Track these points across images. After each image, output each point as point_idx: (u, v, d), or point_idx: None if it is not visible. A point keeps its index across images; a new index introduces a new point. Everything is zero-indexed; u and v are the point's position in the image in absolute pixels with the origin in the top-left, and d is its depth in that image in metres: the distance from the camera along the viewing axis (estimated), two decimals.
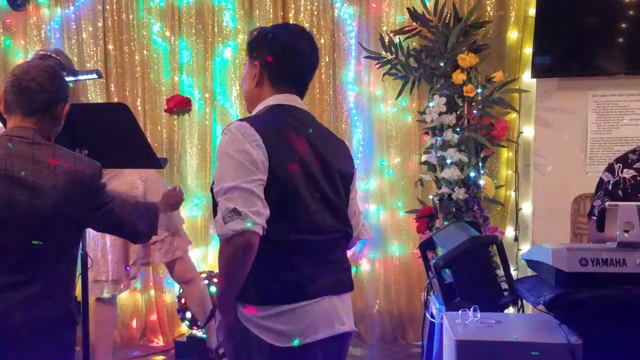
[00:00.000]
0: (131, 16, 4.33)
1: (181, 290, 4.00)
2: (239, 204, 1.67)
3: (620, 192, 2.78)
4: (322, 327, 1.82)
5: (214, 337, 3.45)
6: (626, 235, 2.11)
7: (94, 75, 3.42)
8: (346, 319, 1.92)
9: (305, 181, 1.81)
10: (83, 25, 4.34)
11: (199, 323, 3.89)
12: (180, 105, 3.23)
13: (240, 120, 1.83)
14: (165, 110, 3.27)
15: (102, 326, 3.44)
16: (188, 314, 4.02)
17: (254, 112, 1.92)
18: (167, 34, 4.31)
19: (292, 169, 1.79)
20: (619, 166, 2.85)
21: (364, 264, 4.32)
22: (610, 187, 2.83)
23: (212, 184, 1.79)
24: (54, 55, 3.19)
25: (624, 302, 2.08)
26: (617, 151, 3.42)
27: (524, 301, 2.74)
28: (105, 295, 3.39)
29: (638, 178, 2.78)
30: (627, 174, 2.81)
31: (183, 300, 4.03)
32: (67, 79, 3.30)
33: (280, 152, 1.77)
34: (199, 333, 3.97)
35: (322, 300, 1.83)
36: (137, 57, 4.34)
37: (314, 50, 1.98)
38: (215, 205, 1.79)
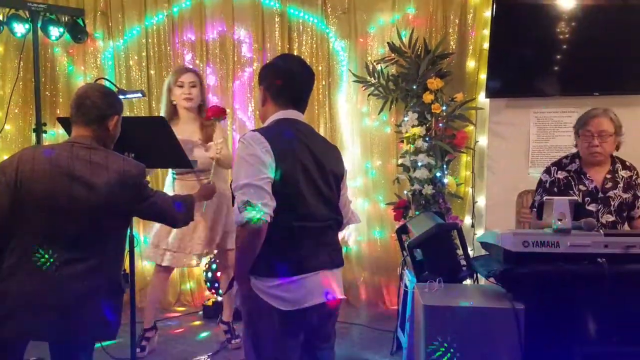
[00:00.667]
0: (168, 47, 4.31)
1: (215, 266, 3.99)
2: (251, 197, 1.70)
3: (555, 189, 2.79)
4: (317, 295, 1.85)
5: (229, 311, 3.47)
6: (560, 223, 2.13)
7: (139, 95, 3.41)
8: (337, 289, 1.94)
9: (304, 179, 1.84)
10: (130, 55, 4.33)
11: (220, 292, 3.88)
12: (217, 114, 3.25)
13: (253, 130, 1.87)
14: (205, 118, 3.27)
15: (156, 289, 3.39)
16: (215, 284, 4.01)
17: (265, 125, 1.95)
18: (197, 61, 4.30)
19: (294, 169, 1.81)
20: (554, 169, 2.86)
21: (353, 245, 4.32)
22: (547, 185, 2.84)
23: (231, 181, 1.82)
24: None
25: (557, 275, 2.09)
26: (553, 157, 3.41)
27: (478, 275, 2.76)
28: (182, 264, 3.38)
29: (569, 178, 2.79)
30: (561, 175, 2.82)
31: (210, 274, 4.03)
32: (125, 97, 3.30)
33: (285, 156, 1.80)
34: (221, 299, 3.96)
35: (318, 274, 1.86)
36: None
37: (306, 73, 2.00)
38: (234, 198, 1.82)
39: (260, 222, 1.70)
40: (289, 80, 1.94)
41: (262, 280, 1.81)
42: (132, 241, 2.76)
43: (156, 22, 4.28)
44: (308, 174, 1.85)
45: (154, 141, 2.69)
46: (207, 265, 4.09)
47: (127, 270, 2.83)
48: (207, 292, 4.23)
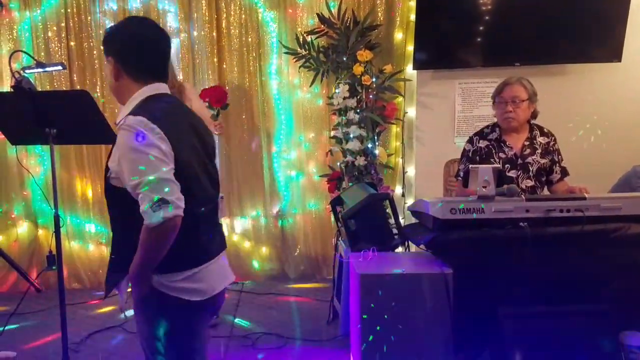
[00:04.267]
0: (89, 17, 4.03)
1: None
2: (164, 193, 1.50)
3: (477, 158, 2.86)
4: (222, 279, 1.76)
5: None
6: (484, 190, 2.18)
7: (59, 67, 3.17)
8: (229, 269, 1.86)
9: (196, 161, 1.68)
10: (49, 26, 4.02)
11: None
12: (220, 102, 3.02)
13: (134, 115, 1.55)
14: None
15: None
16: None
17: (129, 105, 1.64)
18: None
19: (188, 152, 1.63)
20: (477, 138, 2.93)
21: (288, 217, 4.29)
22: (470, 154, 2.90)
23: (108, 173, 1.60)
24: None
25: (482, 240, 2.16)
26: (477, 126, 3.50)
27: (409, 242, 2.81)
28: None
29: (489, 147, 2.87)
30: (483, 144, 2.89)
31: None
32: (36, 70, 3.05)
33: (177, 139, 1.58)
34: None
35: (218, 259, 1.76)
36: (95, 52, 4.07)
37: (164, 37, 1.71)
38: (109, 193, 1.63)
39: (177, 219, 1.52)
40: (148, 49, 1.66)
41: (167, 275, 1.63)
42: (57, 221, 2.59)
43: None
44: (197, 153, 1.69)
45: (77, 116, 2.51)
46: None
47: (54, 251, 2.67)
48: None
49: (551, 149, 2.85)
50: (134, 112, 1.57)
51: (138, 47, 1.65)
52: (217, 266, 1.75)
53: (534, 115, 2.87)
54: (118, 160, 1.55)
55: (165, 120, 1.58)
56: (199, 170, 1.68)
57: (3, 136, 2.77)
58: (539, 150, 2.82)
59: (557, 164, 2.85)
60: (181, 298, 1.64)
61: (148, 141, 1.52)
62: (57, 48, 4.04)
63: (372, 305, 2.10)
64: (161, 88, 1.69)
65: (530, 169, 2.80)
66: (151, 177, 1.50)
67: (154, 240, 1.54)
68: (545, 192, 2.90)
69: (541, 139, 2.85)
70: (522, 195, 2.23)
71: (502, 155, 2.82)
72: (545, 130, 2.90)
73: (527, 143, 2.83)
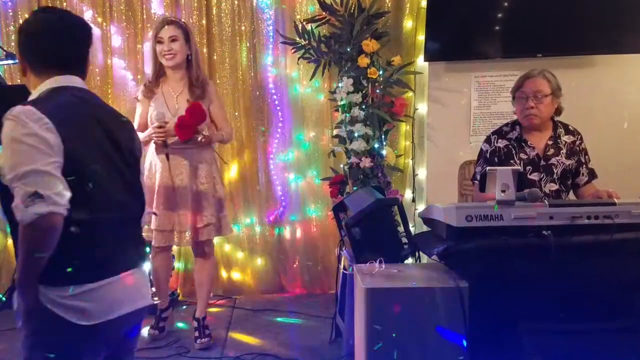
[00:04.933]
0: (64, 3, 4.06)
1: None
2: (39, 187, 1.47)
3: (496, 159, 2.88)
4: (126, 303, 1.69)
5: (203, 308, 3.42)
6: (503, 194, 2.20)
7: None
8: (145, 292, 1.80)
9: (100, 160, 1.65)
10: (19, 13, 4.04)
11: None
12: (196, 121, 3.11)
13: (23, 105, 1.57)
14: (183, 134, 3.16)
15: (161, 270, 3.42)
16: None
17: (30, 99, 1.67)
18: (99, 20, 4.08)
19: (87, 149, 1.62)
20: (495, 137, 2.94)
21: (286, 225, 4.31)
22: (488, 155, 2.92)
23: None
24: None
25: (501, 250, 2.16)
26: (495, 124, 3.52)
27: (420, 253, 2.82)
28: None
29: (509, 146, 2.88)
30: (502, 143, 2.91)
31: None
32: (6, 62, 3.09)
33: (72, 134, 1.58)
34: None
35: (124, 277, 1.69)
36: None
37: (73, 25, 1.73)
38: (2, 193, 1.58)
39: (54, 216, 1.47)
40: (49, 40, 1.68)
41: (54, 289, 1.57)
42: None
43: None
44: (103, 153, 1.68)
45: None
46: None
47: None
48: None
49: (577, 148, 2.87)
50: (24, 103, 1.59)
51: (38, 39, 1.68)
52: (122, 286, 1.68)
53: (558, 111, 2.89)
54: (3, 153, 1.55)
55: (59, 112, 1.58)
56: (102, 171, 1.65)
57: None
58: (564, 151, 2.84)
59: (584, 166, 2.86)
60: (66, 319, 1.57)
61: (30, 131, 1.51)
62: None
63: (379, 323, 2.11)
64: (71, 81, 1.70)
65: (555, 171, 2.82)
66: (27, 169, 1.48)
67: (29, 241, 1.50)
68: (571, 196, 2.91)
69: (566, 138, 2.87)
70: (545, 201, 2.25)
71: (523, 156, 2.84)
72: (570, 128, 2.92)
73: (550, 142, 2.85)
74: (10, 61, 3.04)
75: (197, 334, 3.39)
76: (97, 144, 1.67)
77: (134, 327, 1.80)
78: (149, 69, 3.29)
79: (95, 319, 1.61)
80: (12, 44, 4.00)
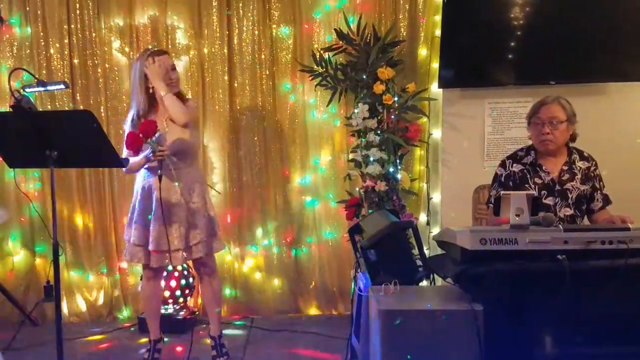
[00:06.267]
0: (94, 34, 4.15)
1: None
2: None
3: (510, 183, 2.85)
4: None
5: (217, 326, 3.41)
6: (517, 218, 2.17)
7: (61, 86, 3.27)
8: None
9: None
10: (51, 42, 4.14)
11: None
12: (147, 134, 3.08)
13: None
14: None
15: (151, 299, 3.41)
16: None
17: None
18: (127, 49, 4.16)
19: None
20: (510, 162, 2.92)
21: (303, 247, 4.29)
22: (503, 179, 2.90)
23: None
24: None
25: (516, 274, 2.13)
26: (508, 149, 3.49)
27: (435, 275, 2.79)
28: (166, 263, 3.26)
29: (524, 171, 2.86)
30: (516, 168, 2.89)
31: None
32: (37, 89, 3.14)
33: None
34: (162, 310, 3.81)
35: None
36: (99, 70, 4.17)
37: None
38: None
39: None
40: None
41: None
42: (56, 250, 2.63)
43: (79, 6, 4.10)
44: None
45: (80, 137, 2.57)
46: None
47: (52, 281, 2.70)
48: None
49: (592, 174, 2.84)
50: None
51: None
52: None
53: (573, 137, 2.87)
54: None
55: None
56: None
57: (1, 159, 2.84)
58: (579, 176, 2.81)
59: (599, 192, 2.83)
60: None
61: None
62: (59, 66, 4.14)
63: (394, 344, 2.08)
64: None
65: (569, 196, 2.78)
66: None
67: None
68: (585, 221, 2.87)
69: (581, 164, 2.84)
70: (560, 225, 2.21)
71: (537, 180, 2.81)
72: (585, 154, 2.89)
73: (565, 168, 2.82)
74: (41, 88, 3.09)
75: (214, 352, 3.37)
76: None
77: None
78: (135, 101, 3.23)
79: None
80: (44, 71, 4.10)
